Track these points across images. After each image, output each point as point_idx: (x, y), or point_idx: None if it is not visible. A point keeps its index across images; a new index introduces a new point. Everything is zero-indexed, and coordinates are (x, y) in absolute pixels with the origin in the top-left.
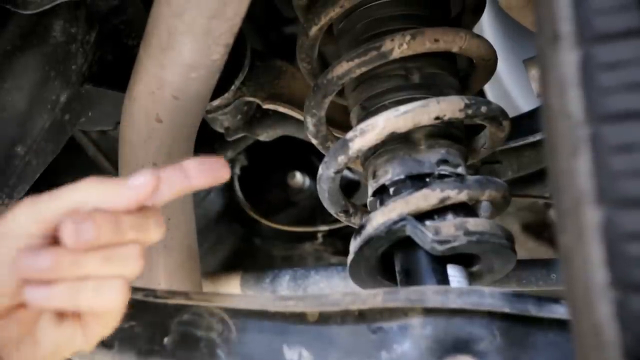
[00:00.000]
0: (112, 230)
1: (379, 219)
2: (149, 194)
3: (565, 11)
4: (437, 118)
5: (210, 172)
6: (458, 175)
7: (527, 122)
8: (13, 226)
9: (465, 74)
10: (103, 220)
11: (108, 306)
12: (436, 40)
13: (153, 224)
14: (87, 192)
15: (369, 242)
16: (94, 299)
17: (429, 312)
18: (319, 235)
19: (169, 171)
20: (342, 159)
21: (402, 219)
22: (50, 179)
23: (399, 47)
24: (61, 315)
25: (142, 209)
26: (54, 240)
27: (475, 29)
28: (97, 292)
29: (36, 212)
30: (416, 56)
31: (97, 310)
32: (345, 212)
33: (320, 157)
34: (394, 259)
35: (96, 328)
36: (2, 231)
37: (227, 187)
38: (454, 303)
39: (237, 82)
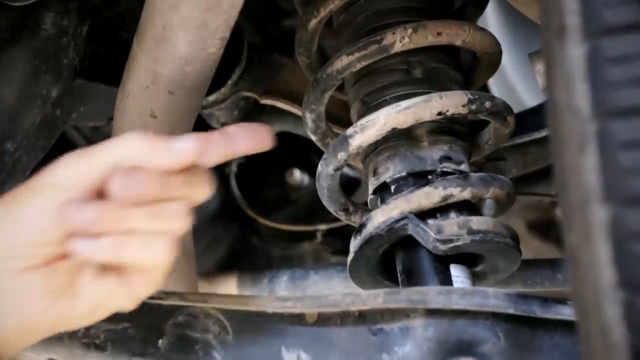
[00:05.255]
0: (159, 185)
1: (380, 217)
2: (192, 159)
3: (572, 3)
4: (439, 114)
5: (253, 139)
6: (461, 172)
7: (532, 118)
8: (56, 178)
9: (469, 68)
10: (151, 176)
11: (153, 261)
12: (439, 34)
13: (200, 183)
14: (131, 148)
15: (369, 241)
16: (140, 253)
17: (432, 313)
18: (318, 234)
19: (214, 136)
20: (342, 155)
21: (403, 217)
22: None
23: (400, 40)
24: (103, 270)
25: (188, 168)
26: (96, 194)
27: (480, 22)
28: (142, 247)
29: (80, 165)
30: (418, 50)
31: (142, 265)
32: (345, 210)
33: (319, 154)
34: (395, 258)
35: (139, 285)
36: (46, 183)
37: (224, 185)
38: (457, 304)
39: (234, 77)
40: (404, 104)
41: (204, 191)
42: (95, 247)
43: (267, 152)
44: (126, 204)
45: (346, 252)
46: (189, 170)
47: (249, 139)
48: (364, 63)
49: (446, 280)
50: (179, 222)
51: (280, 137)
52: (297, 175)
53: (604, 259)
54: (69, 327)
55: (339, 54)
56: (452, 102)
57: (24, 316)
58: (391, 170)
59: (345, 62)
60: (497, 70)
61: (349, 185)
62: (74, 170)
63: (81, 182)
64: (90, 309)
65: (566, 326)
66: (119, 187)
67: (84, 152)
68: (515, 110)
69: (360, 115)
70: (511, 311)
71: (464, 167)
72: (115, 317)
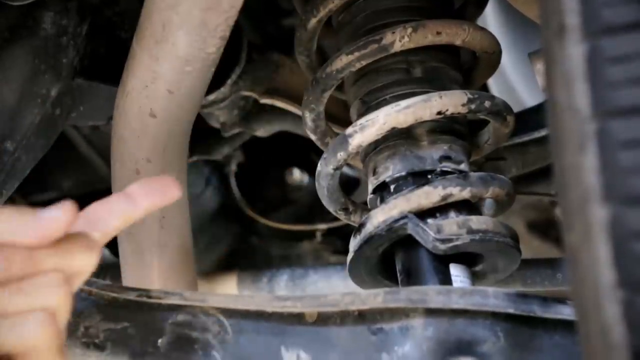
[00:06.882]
0: (25, 261)
1: (380, 216)
2: (62, 228)
3: (572, 3)
4: (439, 113)
5: (157, 193)
6: (461, 172)
7: (532, 117)
8: None
9: (469, 67)
10: (13, 252)
11: (27, 343)
12: (438, 33)
13: (78, 250)
14: None
15: (369, 240)
16: (11, 336)
17: (431, 312)
18: (318, 233)
19: (111, 200)
20: (341, 155)
21: (403, 216)
22: (40, 176)
23: (400, 40)
24: None
25: (68, 235)
26: None
27: (480, 22)
28: (13, 329)
29: None
30: (418, 49)
31: (16, 349)
32: (345, 209)
33: (319, 153)
34: (394, 258)
35: None
36: None
37: (224, 184)
38: (457, 304)
39: (234, 76)
40: (403, 103)
41: (85, 259)
42: None
43: (267, 152)
44: None
45: (346, 252)
46: (68, 238)
47: (152, 196)
48: (364, 62)
49: (446, 279)
50: (52, 295)
51: (280, 136)
52: (297, 175)
53: (604, 258)
54: None
55: (339, 53)
56: (451, 102)
57: None
58: (391, 169)
59: (345, 62)
60: (496, 69)
61: (349, 185)
62: None
63: None
64: None
65: (566, 326)
66: None
67: None
68: (515, 110)
69: (360, 115)
70: (511, 311)
71: (463, 166)
72: (115, 317)
